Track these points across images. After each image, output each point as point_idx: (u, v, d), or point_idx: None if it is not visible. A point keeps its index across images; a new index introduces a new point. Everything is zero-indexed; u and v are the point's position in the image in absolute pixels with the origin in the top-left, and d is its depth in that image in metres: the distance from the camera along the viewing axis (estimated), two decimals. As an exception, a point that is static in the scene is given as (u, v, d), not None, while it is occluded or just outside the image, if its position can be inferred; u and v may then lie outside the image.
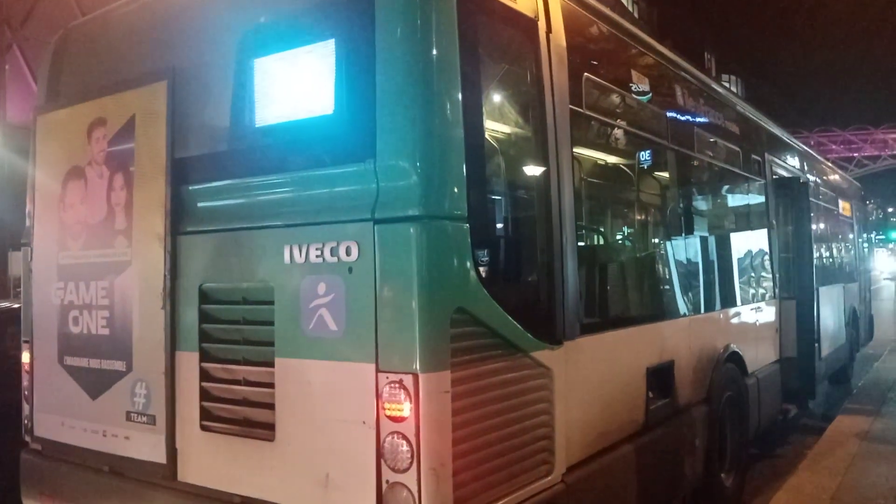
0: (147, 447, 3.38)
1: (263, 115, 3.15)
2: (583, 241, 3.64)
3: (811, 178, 9.30)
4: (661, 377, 4.35)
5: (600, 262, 3.98)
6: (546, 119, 3.32)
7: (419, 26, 2.73)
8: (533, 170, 3.31)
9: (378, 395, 2.65)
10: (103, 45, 3.96)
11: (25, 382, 4.08)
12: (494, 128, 3.13)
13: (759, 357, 6.39)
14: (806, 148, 9.98)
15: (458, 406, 2.68)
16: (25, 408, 4.08)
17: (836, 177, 11.77)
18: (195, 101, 3.35)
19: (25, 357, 4.09)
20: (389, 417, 2.63)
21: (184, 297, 3.29)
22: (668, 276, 4.66)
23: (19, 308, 4.27)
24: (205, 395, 3.21)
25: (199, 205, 3.31)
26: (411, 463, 2.58)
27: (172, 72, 3.36)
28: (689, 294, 4.97)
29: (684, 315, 4.89)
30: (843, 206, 11.36)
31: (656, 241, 4.58)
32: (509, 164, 3.31)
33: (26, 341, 4.07)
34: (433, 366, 2.60)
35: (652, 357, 4.29)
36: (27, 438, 4.05)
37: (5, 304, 6.49)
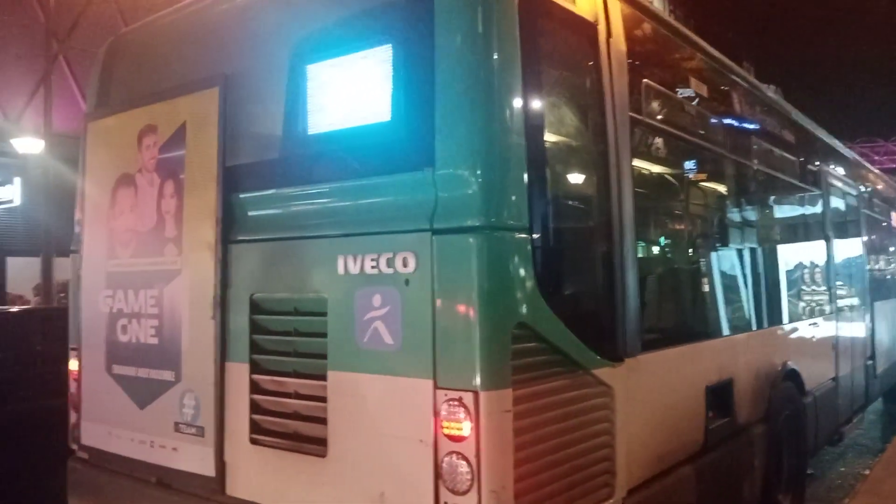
0: (195, 459, 3.32)
1: (317, 122, 3.08)
2: (642, 253, 3.50)
3: (865, 189, 8.99)
4: (720, 396, 4.17)
5: (660, 276, 3.83)
6: (606, 126, 3.20)
7: (480, 31, 2.64)
8: (593, 179, 3.19)
9: (436, 413, 2.54)
10: (153, 52, 3.94)
11: (73, 390, 4.06)
12: (554, 135, 3.01)
13: (816, 375, 6.14)
14: (860, 158, 9.67)
15: (519, 426, 2.56)
16: (73, 415, 4.06)
17: (890, 188, 11.38)
18: (247, 108, 3.30)
19: (73, 365, 4.07)
20: (448, 436, 2.52)
21: (234, 306, 3.22)
22: (726, 291, 4.48)
23: (49, 309, 4.27)
24: (255, 407, 3.14)
25: (251, 213, 3.25)
26: (471, 485, 2.47)
27: (224, 78, 3.32)
28: (748, 309, 4.78)
29: (743, 331, 4.70)
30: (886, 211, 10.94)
31: (714, 253, 4.41)
32: (569, 173, 3.19)
33: (74, 349, 4.06)
34: (494, 383, 2.48)
35: (711, 375, 4.12)
36: (74, 446, 4.03)
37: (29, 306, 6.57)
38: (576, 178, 3.24)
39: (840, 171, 7.79)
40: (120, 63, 4.10)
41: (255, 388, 3.14)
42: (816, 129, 7.02)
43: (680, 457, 3.75)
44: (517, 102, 2.68)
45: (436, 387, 2.55)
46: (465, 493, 2.48)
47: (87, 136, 4.04)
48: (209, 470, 3.25)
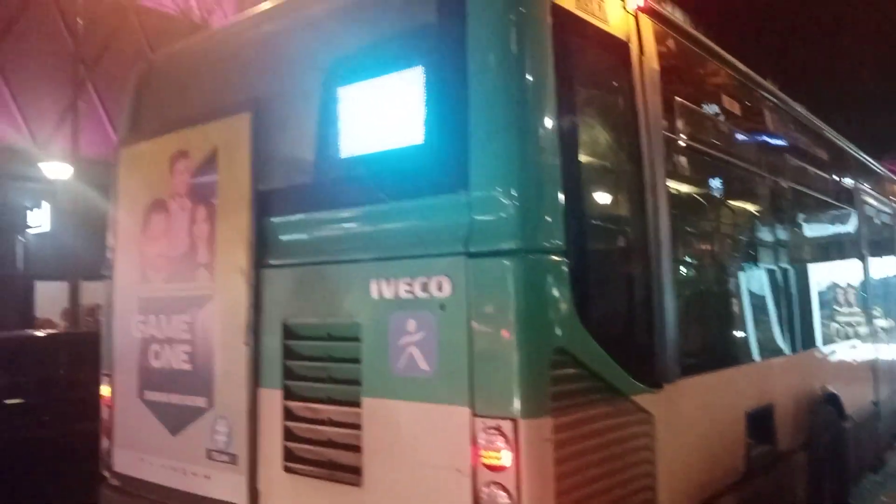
0: (228, 487, 3.28)
1: (348, 146, 3.06)
2: (678, 275, 3.42)
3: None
4: (760, 422, 4.05)
5: (696, 298, 3.74)
6: (640, 146, 3.14)
7: (514, 52, 2.61)
8: (628, 199, 3.13)
9: (474, 442, 2.48)
10: (184, 77, 3.97)
11: (105, 416, 4.05)
12: (588, 156, 2.96)
13: (856, 399, 5.96)
14: (893, 175, 9.48)
15: (559, 455, 2.49)
16: (104, 441, 4.05)
17: None
18: (279, 133, 3.29)
19: (105, 390, 4.07)
20: (487, 466, 2.46)
21: (267, 332, 3.20)
22: (763, 313, 4.37)
23: (73, 334, 4.29)
24: (288, 434, 3.10)
25: (283, 238, 3.23)
26: None
27: (256, 103, 3.32)
28: (786, 332, 4.66)
29: (782, 354, 4.58)
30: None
31: (750, 274, 4.31)
32: (603, 194, 3.14)
33: (106, 374, 4.05)
34: (534, 411, 2.42)
35: (751, 400, 4.01)
36: (106, 473, 4.01)
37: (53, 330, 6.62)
38: (610, 198, 3.18)
39: (873, 188, 7.64)
40: (152, 88, 4.13)
41: (288, 414, 3.10)
42: (848, 146, 6.90)
43: (720, 486, 3.64)
44: (551, 123, 2.64)
45: (473, 414, 2.49)
46: None
47: (119, 162, 4.07)
48: (242, 499, 3.20)
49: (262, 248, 3.24)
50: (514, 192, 2.51)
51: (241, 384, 3.24)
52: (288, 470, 3.07)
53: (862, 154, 7.51)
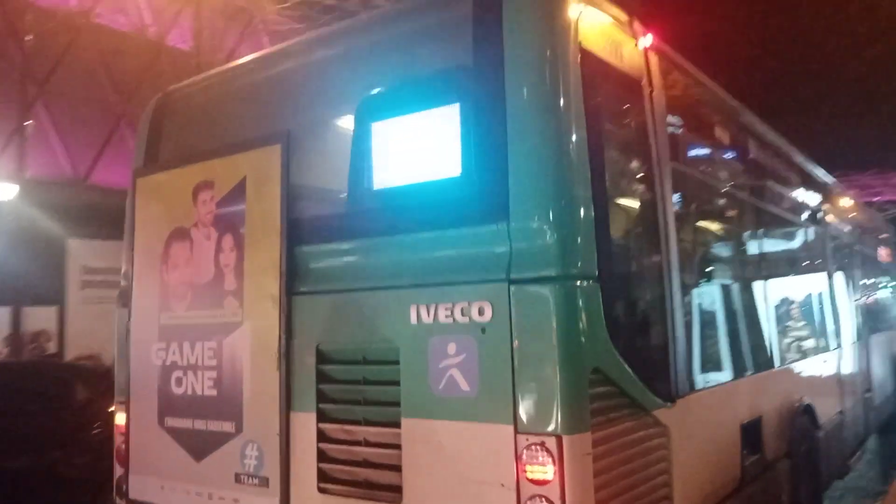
0: (258, 510, 3.36)
1: (383, 178, 3.22)
2: (686, 298, 3.66)
3: (857, 225, 9.35)
4: (752, 433, 4.31)
5: (699, 319, 3.99)
6: (653, 176, 3.39)
7: (550, 93, 2.82)
8: (645, 228, 3.36)
9: (518, 458, 2.65)
10: (206, 110, 4.08)
11: (119, 443, 4.07)
12: (613, 188, 3.18)
13: (827, 409, 6.31)
14: (852, 196, 10.07)
15: (597, 468, 2.67)
16: (118, 469, 4.07)
17: (881, 224, 11.87)
18: (310, 164, 3.43)
19: (120, 418, 4.10)
20: (531, 480, 2.62)
21: (299, 357, 3.31)
22: (754, 331, 4.66)
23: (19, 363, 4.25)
24: (322, 456, 3.21)
25: (316, 265, 3.35)
26: None
27: (286, 136, 3.45)
28: (772, 347, 4.96)
29: (769, 369, 4.87)
30: (886, 253, 11.35)
31: (743, 294, 4.59)
32: (625, 224, 3.36)
33: (121, 402, 4.09)
34: (576, 427, 2.60)
35: (744, 413, 4.27)
36: (120, 501, 4.03)
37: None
38: (631, 227, 3.41)
39: (837, 209, 8.12)
40: (169, 119, 4.22)
41: (322, 436, 3.22)
42: (817, 170, 7.34)
43: (722, 494, 3.87)
44: (584, 158, 2.85)
45: (516, 432, 2.65)
46: None
47: (135, 192, 4.13)
48: (273, 521, 3.30)
49: (294, 276, 3.36)
50: (552, 223, 2.70)
51: (272, 408, 3.34)
52: (322, 491, 3.18)
53: (828, 175, 7.99)
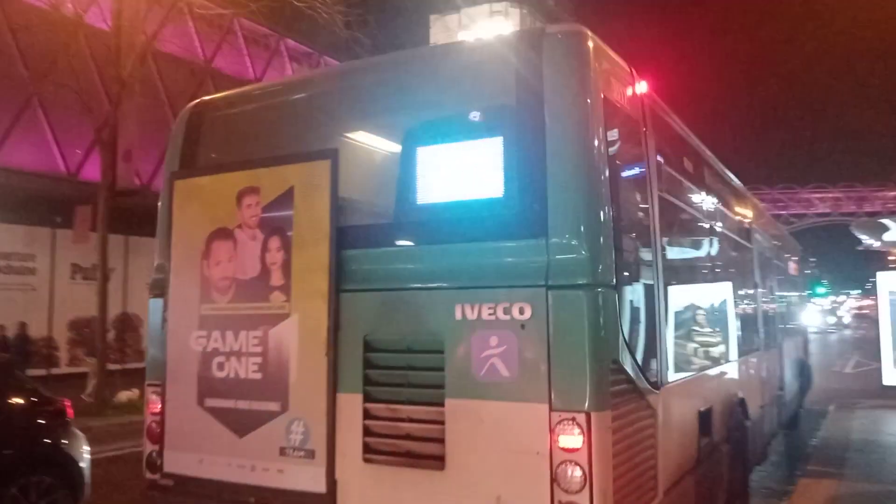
0: (304, 478, 3.82)
1: (428, 194, 3.75)
2: (668, 304, 4.36)
3: (775, 243, 10.50)
4: (705, 419, 5.07)
5: (675, 323, 4.70)
6: (648, 203, 4.06)
7: (585, 131, 3.43)
8: (642, 244, 4.03)
9: (551, 430, 3.24)
10: (249, 122, 4.49)
11: (150, 423, 4.43)
12: (624, 211, 3.82)
13: (753, 402, 7.23)
14: (772, 217, 11.28)
15: (614, 439, 3.30)
16: (149, 447, 4.43)
17: (791, 240, 13.21)
18: (358, 179, 3.92)
19: (152, 399, 4.45)
20: (563, 449, 3.22)
21: (346, 345, 3.79)
22: (709, 334, 5.45)
23: None
24: (367, 431, 3.71)
25: (362, 267, 3.84)
26: (583, 486, 3.17)
27: (335, 153, 3.92)
28: (719, 349, 5.78)
29: (717, 367, 5.68)
30: (794, 267, 12.65)
31: (705, 300, 5.37)
32: (630, 241, 4.01)
33: (155, 385, 4.44)
34: (601, 406, 3.22)
35: (701, 402, 5.02)
36: (152, 476, 4.38)
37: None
38: (633, 244, 4.06)
39: (763, 231, 9.19)
40: (206, 127, 4.60)
41: (367, 414, 3.72)
42: (749, 194, 8.34)
43: (686, 468, 4.59)
44: (607, 185, 3.48)
45: (551, 409, 3.25)
46: (577, 492, 3.18)
47: (173, 193, 4.49)
48: (320, 487, 3.77)
49: (341, 275, 3.84)
50: (585, 240, 3.31)
51: (320, 390, 3.81)
52: (367, 461, 3.68)
53: (756, 199, 9.06)
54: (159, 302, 4.50)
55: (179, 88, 19.74)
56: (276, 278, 4.04)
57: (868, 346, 26.44)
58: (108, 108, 15.17)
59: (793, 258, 12.98)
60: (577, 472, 3.19)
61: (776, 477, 8.61)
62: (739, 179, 8.06)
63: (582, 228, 3.34)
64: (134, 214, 15.12)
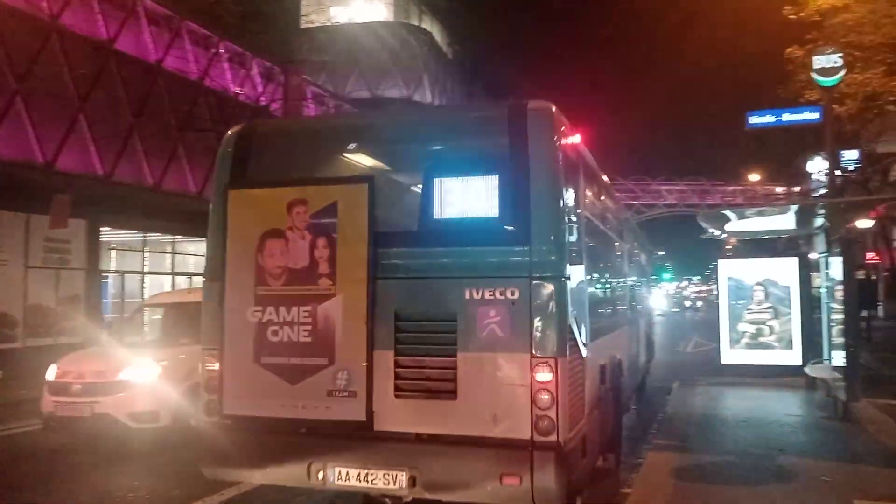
0: (347, 410, 5.35)
1: (441, 211, 5.40)
2: (590, 289, 6.30)
3: (633, 235, 13.00)
4: (603, 372, 7.10)
5: (591, 302, 6.63)
6: (581, 220, 5.95)
7: (554, 171, 5.23)
8: (578, 249, 5.91)
9: (532, 370, 5.02)
10: (297, 145, 5.97)
11: (211, 378, 5.74)
12: (570, 227, 5.66)
13: (625, 364, 9.47)
14: (629, 215, 13.80)
15: (570, 375, 5.15)
16: (211, 396, 5.75)
17: (642, 234, 15.97)
18: (389, 198, 5.50)
19: (210, 360, 5.77)
20: (539, 382, 5.01)
21: (381, 317, 5.36)
22: (607, 310, 7.53)
23: None
24: (397, 376, 5.32)
25: (393, 262, 5.42)
26: (552, 405, 4.98)
27: (371, 179, 5.48)
28: (612, 319, 7.90)
29: (610, 334, 7.77)
30: (644, 256, 15.34)
31: (610, 286, 7.44)
32: (572, 248, 5.86)
33: (213, 349, 5.76)
34: (563, 354, 5.06)
35: (602, 359, 7.04)
36: (211, 417, 5.72)
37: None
38: (575, 249, 5.91)
39: (628, 227, 11.55)
40: (255, 147, 5.97)
41: (398, 364, 5.32)
42: (620, 201, 10.64)
43: (593, 404, 6.56)
44: (568, 210, 5.31)
45: (532, 356, 5.03)
46: (548, 409, 4.98)
47: (228, 200, 5.81)
48: (360, 416, 5.33)
49: (376, 267, 5.40)
50: (554, 249, 5.11)
51: (360, 348, 5.35)
52: (398, 396, 5.29)
53: (624, 204, 11.41)
54: (216, 285, 5.81)
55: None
56: (324, 268, 5.52)
57: (705, 327, 28.38)
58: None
59: (645, 249, 15.71)
60: (547, 396, 5.00)
61: (625, 452, 8.78)
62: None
63: (552, 239, 5.14)
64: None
